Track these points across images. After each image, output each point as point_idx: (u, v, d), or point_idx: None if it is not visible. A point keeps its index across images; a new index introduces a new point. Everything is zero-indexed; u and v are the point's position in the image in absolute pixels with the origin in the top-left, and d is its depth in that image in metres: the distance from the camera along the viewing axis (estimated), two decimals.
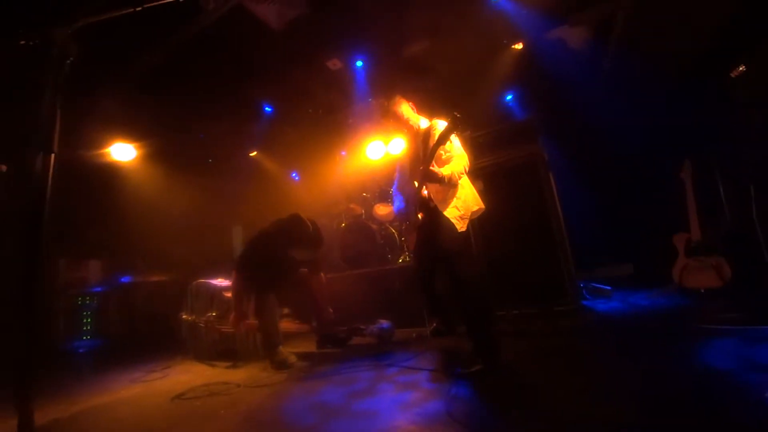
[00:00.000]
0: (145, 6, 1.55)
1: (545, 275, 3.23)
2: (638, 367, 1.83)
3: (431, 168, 2.16)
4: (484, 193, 3.49)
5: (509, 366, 2.00)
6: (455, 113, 2.03)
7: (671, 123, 4.04)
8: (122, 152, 5.29)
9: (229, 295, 3.35)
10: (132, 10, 1.61)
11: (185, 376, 2.95)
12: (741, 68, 2.92)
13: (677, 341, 2.10)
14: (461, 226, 2.25)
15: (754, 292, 2.81)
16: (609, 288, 3.63)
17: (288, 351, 2.87)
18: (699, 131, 3.70)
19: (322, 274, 3.38)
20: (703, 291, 3.10)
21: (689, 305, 2.93)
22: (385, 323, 3.25)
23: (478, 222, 3.42)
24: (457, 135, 2.40)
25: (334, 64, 5.32)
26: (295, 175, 7.58)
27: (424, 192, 2.32)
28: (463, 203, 2.31)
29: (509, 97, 5.91)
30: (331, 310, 3.35)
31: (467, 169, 2.39)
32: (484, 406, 1.64)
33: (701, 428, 1.18)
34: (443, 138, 2.08)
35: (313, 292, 3.29)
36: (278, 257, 3.05)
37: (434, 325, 2.97)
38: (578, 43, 4.93)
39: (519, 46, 5.16)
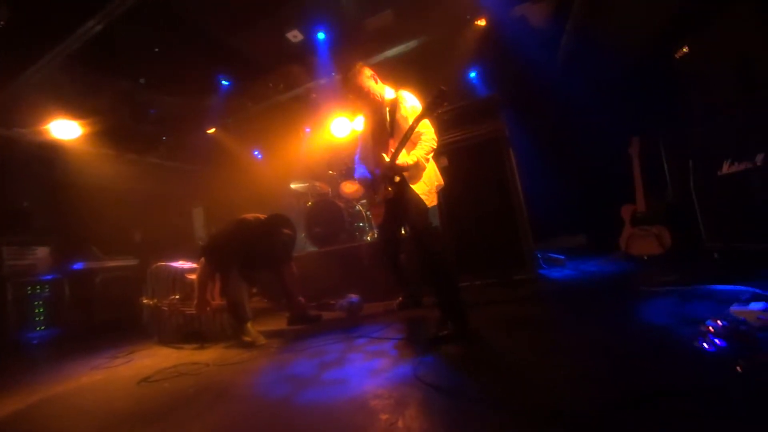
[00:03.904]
0: None
1: (505, 247, 3.40)
2: (588, 327, 2.00)
3: (397, 163, 2.20)
4: (448, 169, 3.60)
5: (475, 332, 2.10)
6: (442, 87, 2.01)
7: (623, 101, 4.26)
8: (64, 130, 4.89)
9: (191, 277, 3.27)
10: None
11: (151, 360, 2.89)
12: (684, 49, 3.10)
13: (623, 302, 2.30)
14: (430, 201, 2.30)
15: (689, 257, 3.10)
16: (563, 257, 3.88)
17: (257, 330, 2.87)
18: (647, 110, 3.94)
19: (293, 264, 3.34)
20: (646, 257, 3.38)
21: (633, 270, 3.19)
22: (354, 297, 3.31)
23: (442, 197, 3.50)
24: (415, 93, 2.40)
25: (295, 35, 5.12)
26: (258, 153, 7.36)
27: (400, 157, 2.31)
28: (428, 178, 2.36)
29: (473, 74, 5.97)
30: (302, 299, 3.34)
31: (435, 143, 2.40)
32: (451, 368, 1.74)
33: (644, 374, 1.34)
34: (429, 111, 2.08)
35: (285, 282, 3.26)
36: (253, 254, 2.99)
37: (401, 298, 3.07)
38: (539, 20, 5.02)
39: (482, 22, 5.18)
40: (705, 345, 1.38)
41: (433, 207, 2.47)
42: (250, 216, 3.14)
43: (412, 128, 2.17)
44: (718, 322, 1.42)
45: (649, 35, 3.86)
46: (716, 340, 1.37)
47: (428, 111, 2.09)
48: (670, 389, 1.17)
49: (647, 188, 3.47)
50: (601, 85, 4.42)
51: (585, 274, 3.36)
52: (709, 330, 1.41)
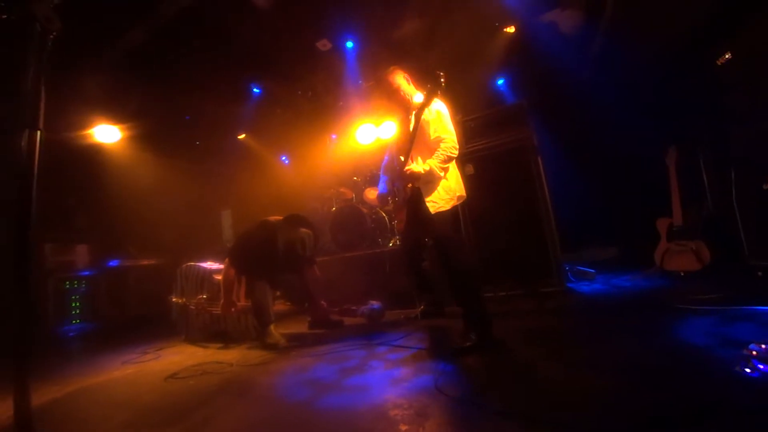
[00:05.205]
0: None
1: (532, 258, 3.31)
2: (619, 344, 1.91)
3: (407, 169, 2.19)
4: (474, 177, 3.56)
5: (497, 343, 2.06)
6: (438, 72, 2.00)
7: (658, 108, 4.10)
8: (106, 134, 5.18)
9: (218, 277, 3.36)
10: None
11: (178, 357, 2.99)
12: (727, 56, 2.95)
13: (657, 320, 2.20)
14: (441, 207, 2.24)
15: (730, 275, 2.92)
16: (593, 271, 3.73)
17: (279, 333, 2.91)
18: (685, 116, 3.77)
19: (315, 268, 3.38)
20: (683, 273, 3.21)
21: (669, 287, 3.03)
22: (375, 304, 3.31)
23: (468, 205, 3.46)
24: (443, 99, 2.36)
25: (324, 44, 5.23)
26: (285, 159, 7.52)
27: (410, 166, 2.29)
28: (447, 187, 2.29)
29: (500, 81, 5.90)
30: (324, 304, 3.37)
31: (456, 152, 2.34)
32: (472, 379, 1.71)
33: (677, 398, 1.26)
34: (428, 98, 2.08)
35: (307, 285, 3.30)
36: (275, 254, 3.04)
37: (423, 306, 3.03)
38: (570, 26, 4.92)
39: (511, 29, 5.13)
40: (747, 369, 1.30)
41: (457, 214, 2.41)
42: (271, 218, 3.21)
43: (416, 125, 2.15)
44: (762, 345, 1.34)
45: (685, 40, 3.70)
46: (760, 365, 1.29)
47: (427, 98, 2.09)
48: (708, 409, 1.11)
49: (685, 200, 3.30)
50: (634, 91, 4.27)
51: (616, 289, 3.22)
52: (752, 354, 1.32)
